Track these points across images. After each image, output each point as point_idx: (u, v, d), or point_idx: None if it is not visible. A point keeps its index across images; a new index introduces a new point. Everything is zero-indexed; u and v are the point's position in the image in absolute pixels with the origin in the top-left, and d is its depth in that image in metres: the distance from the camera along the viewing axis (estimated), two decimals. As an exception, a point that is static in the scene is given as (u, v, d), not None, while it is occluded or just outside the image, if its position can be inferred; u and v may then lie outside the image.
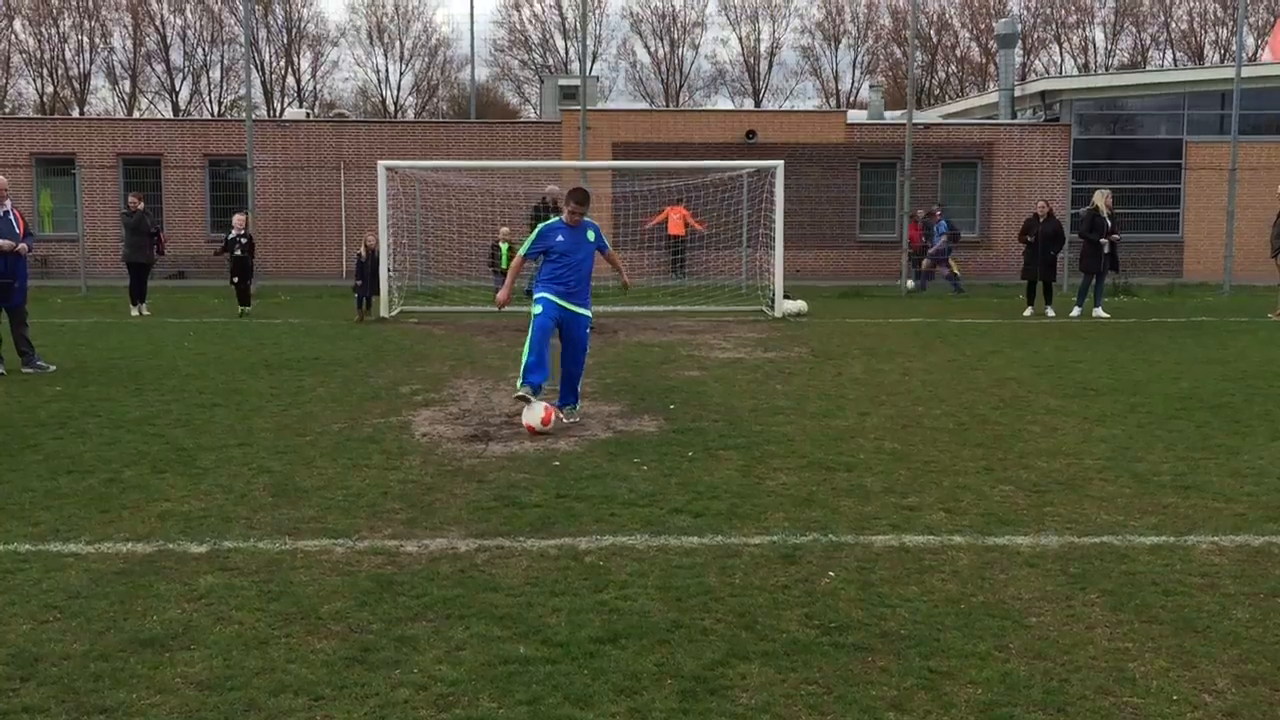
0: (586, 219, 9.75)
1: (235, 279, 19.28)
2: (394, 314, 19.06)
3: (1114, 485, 7.42)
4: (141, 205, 19.83)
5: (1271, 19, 34.58)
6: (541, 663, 4.52)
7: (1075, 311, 19.15)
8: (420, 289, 21.93)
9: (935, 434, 9.08)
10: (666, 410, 10.09)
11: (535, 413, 9.03)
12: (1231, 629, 4.91)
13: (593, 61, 55.15)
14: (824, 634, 4.83)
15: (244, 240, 19.35)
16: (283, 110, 53.26)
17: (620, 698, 4.22)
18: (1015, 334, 16.36)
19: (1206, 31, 58.56)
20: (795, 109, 52.32)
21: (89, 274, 24.99)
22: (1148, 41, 59.67)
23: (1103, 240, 18.81)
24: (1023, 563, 5.79)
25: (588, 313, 9.80)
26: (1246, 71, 26.72)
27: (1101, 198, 19.27)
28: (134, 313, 19.19)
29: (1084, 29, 59.97)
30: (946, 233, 25.11)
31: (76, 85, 56.23)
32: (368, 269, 18.74)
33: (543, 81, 44.61)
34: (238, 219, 19.81)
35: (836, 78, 60.70)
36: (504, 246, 23.12)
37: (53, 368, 12.44)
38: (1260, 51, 28.36)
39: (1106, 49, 59.84)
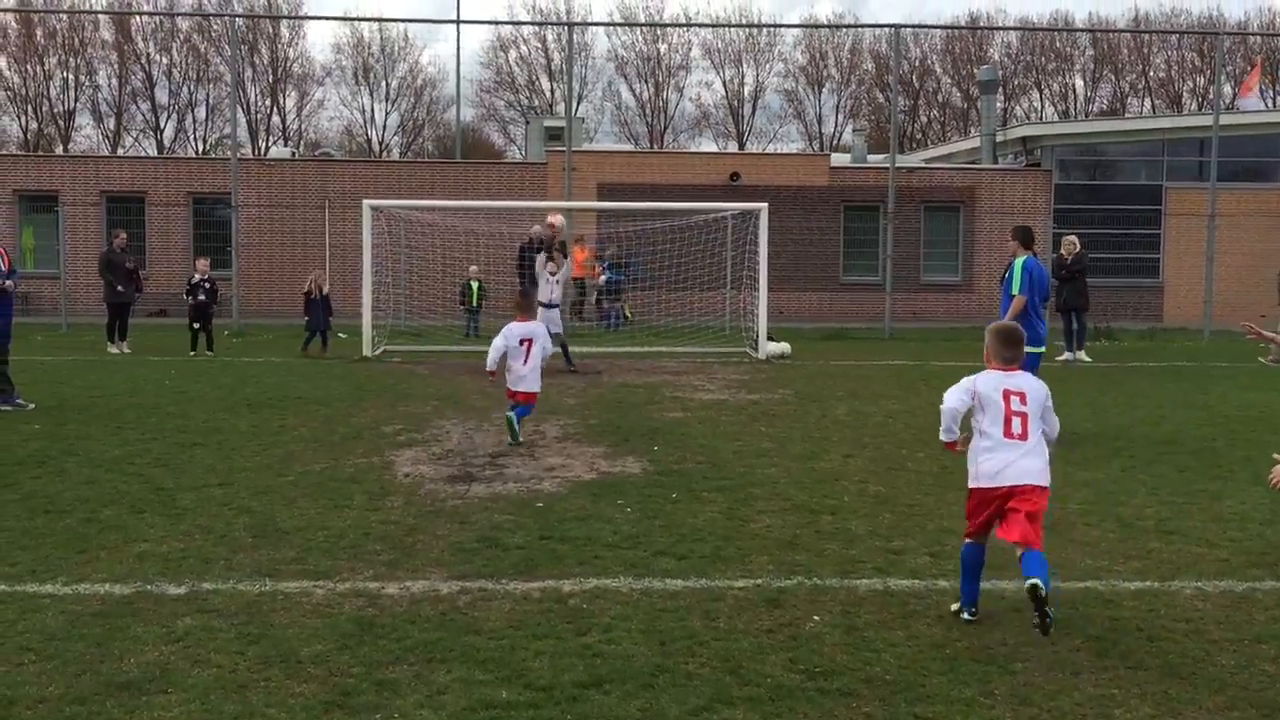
0: (1016, 258, 11.05)
1: (196, 324, 19.09)
2: (377, 353, 19.01)
3: (1098, 530, 7.42)
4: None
5: (1248, 68, 35.12)
6: (524, 707, 4.47)
7: (1067, 355, 19.33)
8: (404, 328, 21.89)
9: (920, 477, 9.08)
10: (650, 452, 10.07)
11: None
12: (1216, 675, 4.89)
13: (578, 103, 55.46)
14: (809, 679, 4.80)
15: (207, 286, 19.24)
16: (267, 149, 53.36)
17: (603, 744, 4.17)
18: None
19: (1184, 80, 59.30)
20: (779, 152, 52.67)
21: (70, 311, 24.90)
22: (1126, 89, 60.42)
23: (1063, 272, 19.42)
24: (1008, 607, 5.77)
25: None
26: (1224, 119, 27.08)
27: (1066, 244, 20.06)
28: (113, 350, 19.09)
29: (1064, 76, 60.69)
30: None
31: (61, 122, 56.17)
32: (318, 306, 19.01)
33: (528, 122, 44.86)
34: (202, 264, 19.72)
35: (820, 121, 61.13)
36: (474, 285, 23.34)
37: (31, 405, 12.35)
38: (1235, 96, 28.72)
39: (1086, 95, 60.56)
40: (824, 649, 5.15)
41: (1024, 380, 5.70)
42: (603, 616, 5.56)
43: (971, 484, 5.62)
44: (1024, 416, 5.54)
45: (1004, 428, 5.52)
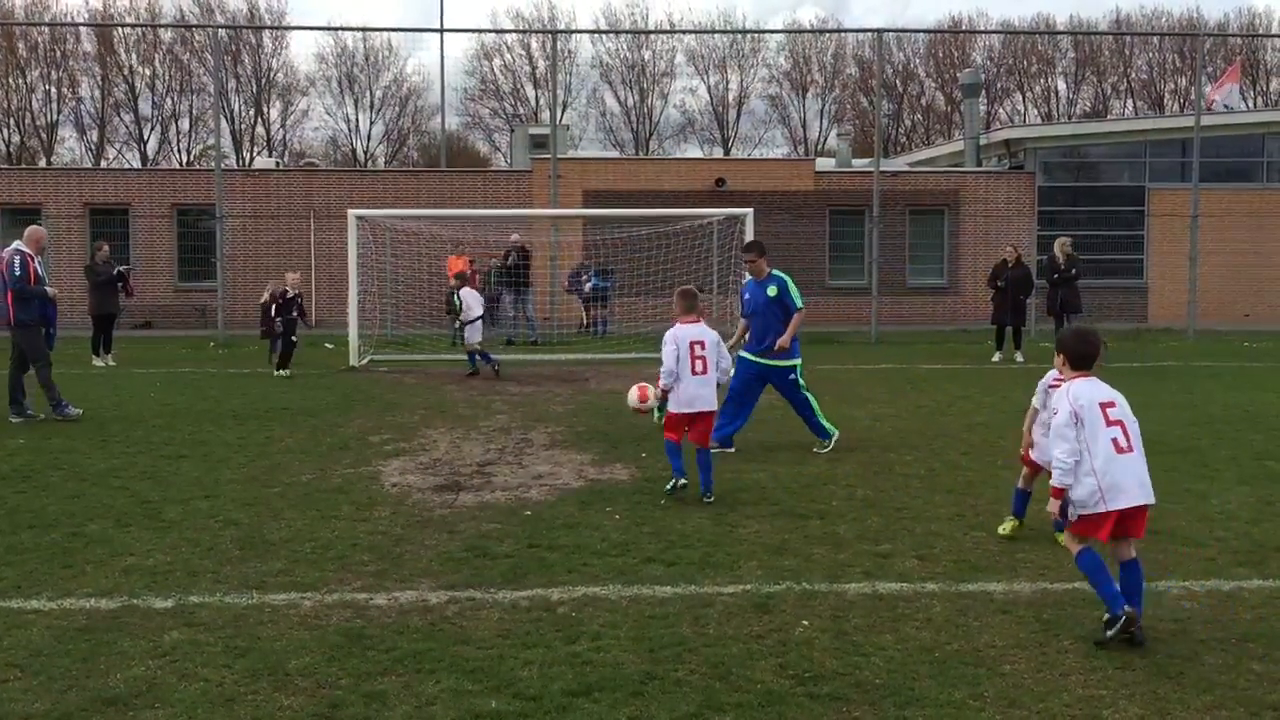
0: (774, 273, 10.73)
1: (294, 338, 17.80)
2: (363, 363, 18.96)
3: (1085, 530, 7.43)
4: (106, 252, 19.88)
5: (1225, 68, 35.37)
6: (513, 717, 4.46)
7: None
8: (390, 337, 21.85)
9: (907, 480, 9.10)
10: (638, 458, 10.07)
11: (632, 393, 9.64)
12: (1204, 675, 4.91)
13: (563, 110, 55.47)
14: (798, 684, 4.80)
15: (299, 301, 18.20)
16: (252, 159, 53.27)
17: (593, 752, 4.16)
18: (984, 379, 16.46)
19: (1166, 81, 59.65)
20: (764, 157, 52.77)
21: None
22: (1108, 91, 60.74)
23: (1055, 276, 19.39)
24: (996, 610, 5.78)
25: (778, 362, 10.63)
26: (1206, 120, 27.22)
27: (1058, 245, 19.96)
28: (98, 363, 19.00)
29: (1046, 78, 60.98)
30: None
31: (44, 135, 55.99)
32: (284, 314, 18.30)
33: (513, 130, 44.82)
34: (292, 277, 18.56)
35: (804, 126, 61.33)
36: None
37: (42, 416, 12.60)
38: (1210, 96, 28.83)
39: (1068, 98, 60.87)
40: (813, 654, 5.16)
41: (702, 330, 8.47)
42: (592, 624, 5.55)
43: (671, 409, 8.40)
44: (704, 360, 8.36)
45: (690, 368, 8.29)
